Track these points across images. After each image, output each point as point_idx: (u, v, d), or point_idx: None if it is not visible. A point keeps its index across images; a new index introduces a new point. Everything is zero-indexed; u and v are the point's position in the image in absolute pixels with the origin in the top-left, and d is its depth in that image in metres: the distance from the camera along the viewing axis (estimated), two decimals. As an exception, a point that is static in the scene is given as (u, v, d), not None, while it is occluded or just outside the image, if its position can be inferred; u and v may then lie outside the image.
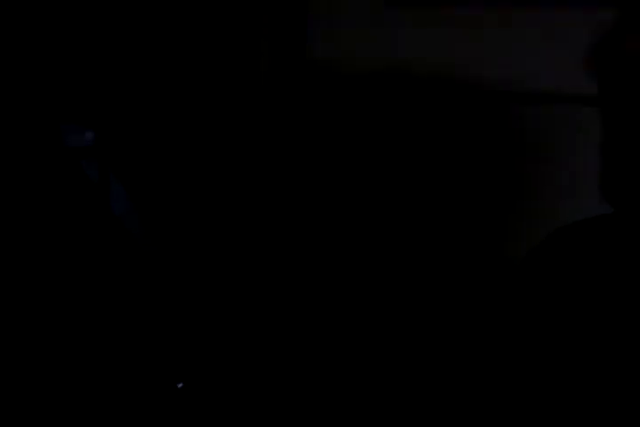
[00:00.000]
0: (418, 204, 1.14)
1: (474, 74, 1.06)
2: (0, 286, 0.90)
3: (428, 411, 1.05)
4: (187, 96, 1.23)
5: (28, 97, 0.99)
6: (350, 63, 1.14)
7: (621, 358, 0.53)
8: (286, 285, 1.21)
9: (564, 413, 0.56)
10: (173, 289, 1.03)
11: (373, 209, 1.17)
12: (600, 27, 0.54)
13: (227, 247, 1.23)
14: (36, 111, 0.98)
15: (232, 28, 1.20)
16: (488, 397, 0.68)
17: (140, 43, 1.22)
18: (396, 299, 1.15)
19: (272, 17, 1.19)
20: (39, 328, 0.91)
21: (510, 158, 1.08)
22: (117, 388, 0.92)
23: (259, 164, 1.22)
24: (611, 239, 0.63)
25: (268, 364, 1.16)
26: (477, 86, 1.07)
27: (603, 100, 0.54)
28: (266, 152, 1.22)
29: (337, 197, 1.19)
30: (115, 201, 0.97)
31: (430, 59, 1.09)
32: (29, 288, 0.91)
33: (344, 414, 1.12)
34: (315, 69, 1.17)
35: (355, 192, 1.18)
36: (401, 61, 1.11)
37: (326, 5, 1.14)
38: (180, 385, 0.96)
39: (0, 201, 0.92)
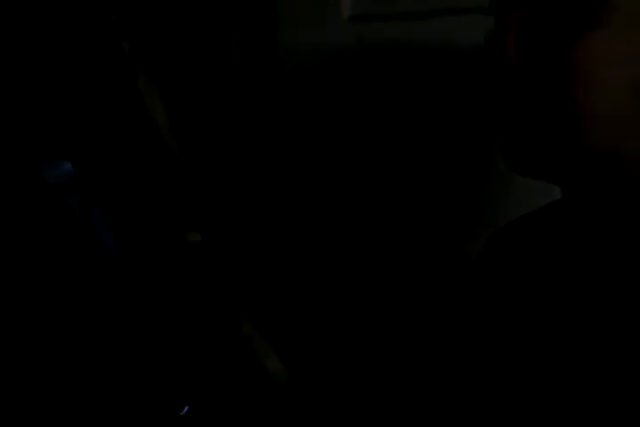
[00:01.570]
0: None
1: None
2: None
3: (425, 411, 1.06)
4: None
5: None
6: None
7: (592, 359, 0.53)
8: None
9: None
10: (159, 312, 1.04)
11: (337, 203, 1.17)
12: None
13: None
14: (11, 148, 0.97)
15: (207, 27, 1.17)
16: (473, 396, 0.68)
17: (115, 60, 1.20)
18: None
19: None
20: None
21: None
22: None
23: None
24: (558, 229, 0.62)
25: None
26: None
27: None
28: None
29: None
30: (100, 233, 0.97)
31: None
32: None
33: (344, 415, 1.14)
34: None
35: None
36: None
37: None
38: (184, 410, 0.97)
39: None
